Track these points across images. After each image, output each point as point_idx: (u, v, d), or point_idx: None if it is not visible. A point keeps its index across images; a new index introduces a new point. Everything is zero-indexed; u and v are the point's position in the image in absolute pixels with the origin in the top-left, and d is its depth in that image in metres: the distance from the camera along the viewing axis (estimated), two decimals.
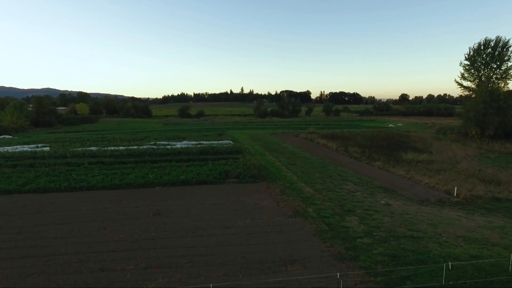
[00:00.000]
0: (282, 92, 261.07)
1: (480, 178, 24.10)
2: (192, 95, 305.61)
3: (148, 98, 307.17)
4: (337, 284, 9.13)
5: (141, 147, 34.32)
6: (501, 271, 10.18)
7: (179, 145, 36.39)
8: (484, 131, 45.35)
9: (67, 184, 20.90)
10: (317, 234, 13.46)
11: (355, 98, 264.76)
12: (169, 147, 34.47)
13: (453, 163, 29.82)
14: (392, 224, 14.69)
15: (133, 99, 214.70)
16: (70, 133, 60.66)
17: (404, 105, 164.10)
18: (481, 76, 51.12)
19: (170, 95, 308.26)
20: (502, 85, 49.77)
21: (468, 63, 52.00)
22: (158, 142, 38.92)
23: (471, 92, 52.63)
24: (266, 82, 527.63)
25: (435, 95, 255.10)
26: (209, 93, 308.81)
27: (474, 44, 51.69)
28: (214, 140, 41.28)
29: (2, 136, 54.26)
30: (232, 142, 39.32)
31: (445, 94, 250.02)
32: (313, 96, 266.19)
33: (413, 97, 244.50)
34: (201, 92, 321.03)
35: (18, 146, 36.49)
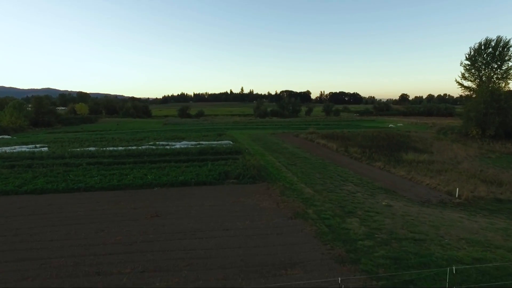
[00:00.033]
0: (282, 92, 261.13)
1: (482, 178, 23.89)
2: (192, 95, 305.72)
3: (148, 98, 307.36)
4: None
5: (140, 147, 34.11)
6: (506, 275, 9.97)
7: (178, 145, 36.18)
8: (485, 131, 45.15)
9: (65, 185, 20.69)
10: (318, 236, 13.25)
11: (355, 98, 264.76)
12: (168, 147, 34.25)
13: (454, 164, 29.63)
14: (394, 226, 14.48)
15: (133, 99, 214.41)
16: (69, 133, 60.44)
17: (404, 105, 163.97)
18: (482, 76, 50.92)
19: (170, 95, 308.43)
20: (503, 85, 49.59)
21: (469, 63, 51.81)
22: (157, 143, 38.69)
23: (471, 92, 52.45)
24: (266, 82, 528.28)
25: (435, 95, 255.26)
26: (209, 93, 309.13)
27: (475, 44, 51.55)
28: (214, 140, 41.07)
29: (1, 137, 54.02)
30: (231, 143, 39.11)
31: (445, 94, 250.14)
32: (313, 96, 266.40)
33: (413, 97, 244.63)
34: (201, 92, 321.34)
35: (16, 147, 36.27)
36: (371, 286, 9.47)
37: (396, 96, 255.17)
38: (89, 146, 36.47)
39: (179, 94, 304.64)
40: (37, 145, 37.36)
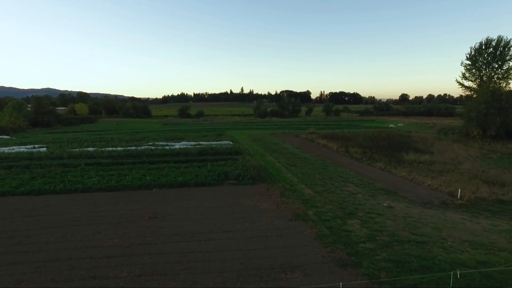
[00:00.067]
0: (282, 92, 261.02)
1: (484, 179, 23.67)
2: (192, 95, 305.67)
3: (148, 98, 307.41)
4: None
5: (139, 147, 33.89)
6: (511, 279, 9.75)
7: (177, 145, 35.96)
8: (486, 131, 44.94)
9: (62, 186, 20.47)
10: (318, 239, 13.03)
11: (355, 98, 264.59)
12: (167, 147, 34.02)
13: (455, 164, 29.42)
14: (395, 227, 14.27)
15: (133, 99, 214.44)
16: (69, 133, 60.22)
17: (404, 105, 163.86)
18: (483, 76, 50.73)
19: (170, 95, 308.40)
20: (504, 85, 49.41)
21: (470, 62, 51.64)
22: (156, 143, 38.48)
23: (472, 92, 52.27)
24: (266, 82, 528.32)
25: (435, 95, 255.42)
26: (209, 93, 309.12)
27: (476, 43, 51.38)
28: (213, 141, 40.85)
29: (0, 137, 53.81)
30: (231, 143, 38.89)
31: (445, 94, 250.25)
32: (313, 96, 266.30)
33: (413, 97, 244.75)
34: (201, 92, 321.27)
35: (14, 147, 36.05)
36: None
37: (396, 96, 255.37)
38: (88, 146, 36.26)
39: (179, 94, 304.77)
40: (36, 146, 37.14)
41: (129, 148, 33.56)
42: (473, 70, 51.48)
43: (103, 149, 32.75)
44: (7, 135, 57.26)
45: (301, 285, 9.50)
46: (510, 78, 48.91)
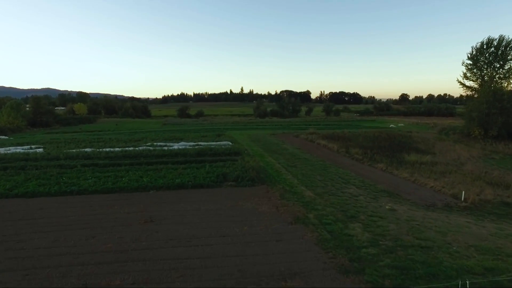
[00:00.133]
0: (282, 92, 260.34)
1: (487, 181, 23.24)
2: (192, 95, 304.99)
3: (148, 98, 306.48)
4: None
5: (137, 148, 33.46)
6: None
7: (176, 146, 35.52)
8: (487, 132, 44.51)
9: (57, 188, 20.02)
10: (319, 243, 12.59)
11: (355, 98, 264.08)
12: (166, 148, 33.57)
13: (457, 165, 28.98)
14: (398, 231, 13.83)
15: (132, 99, 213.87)
16: (67, 133, 59.74)
17: (405, 105, 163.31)
18: (484, 75, 50.34)
19: (169, 95, 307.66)
20: (506, 84, 49.01)
21: (471, 62, 51.26)
22: (155, 143, 38.03)
23: (473, 92, 51.90)
24: (266, 82, 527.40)
25: (435, 95, 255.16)
26: (209, 93, 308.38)
27: (477, 43, 50.95)
28: (213, 141, 40.41)
29: None
30: (230, 143, 38.44)
31: (445, 94, 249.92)
32: (313, 96, 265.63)
33: (413, 97, 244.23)
34: (201, 92, 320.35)
35: (11, 148, 35.59)
36: None
37: (396, 96, 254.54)
38: (85, 147, 35.82)
39: (179, 94, 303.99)
40: (33, 146, 36.68)
41: (127, 148, 33.13)
42: (475, 70, 51.10)
43: (100, 149, 32.32)
44: (5, 135, 56.77)
45: None
46: None
